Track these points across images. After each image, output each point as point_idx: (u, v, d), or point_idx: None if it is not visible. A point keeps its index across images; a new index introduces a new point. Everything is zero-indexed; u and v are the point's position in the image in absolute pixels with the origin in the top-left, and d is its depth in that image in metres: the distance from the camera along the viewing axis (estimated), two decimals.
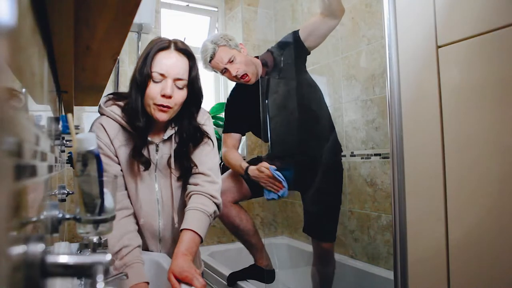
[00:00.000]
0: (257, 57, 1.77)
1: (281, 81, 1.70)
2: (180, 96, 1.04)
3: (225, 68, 1.61)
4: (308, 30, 1.57)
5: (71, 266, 0.32)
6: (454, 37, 0.74)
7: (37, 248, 0.28)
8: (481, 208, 0.70)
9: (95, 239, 0.56)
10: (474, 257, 0.71)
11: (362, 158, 1.90)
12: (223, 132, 1.77)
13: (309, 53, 1.65)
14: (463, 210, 0.73)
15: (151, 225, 1.14)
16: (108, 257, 0.34)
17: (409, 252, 0.83)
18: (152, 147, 1.11)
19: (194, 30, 2.73)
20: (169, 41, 1.06)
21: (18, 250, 0.22)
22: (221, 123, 2.44)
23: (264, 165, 1.52)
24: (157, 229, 1.15)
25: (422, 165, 0.81)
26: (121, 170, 1.09)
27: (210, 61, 1.62)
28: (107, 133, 1.06)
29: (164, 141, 1.12)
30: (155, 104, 1.01)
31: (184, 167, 1.13)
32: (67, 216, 0.50)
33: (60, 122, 0.66)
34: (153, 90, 1.01)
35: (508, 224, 0.65)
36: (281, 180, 1.47)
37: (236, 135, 1.73)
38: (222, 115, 2.54)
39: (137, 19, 1.87)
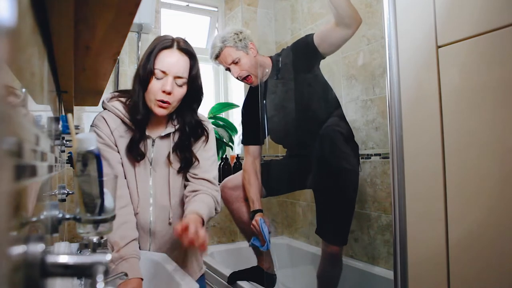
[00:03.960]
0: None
1: (288, 81, 1.68)
2: (179, 93, 1.10)
3: (229, 68, 1.64)
4: (321, 36, 1.54)
5: (71, 266, 0.32)
6: (454, 37, 0.74)
7: (37, 248, 0.28)
8: (481, 208, 0.70)
9: (95, 239, 0.56)
10: (474, 257, 0.71)
11: (362, 158, 1.90)
12: (242, 143, 1.80)
13: (323, 57, 1.62)
14: (463, 210, 0.73)
15: (144, 218, 1.16)
16: (108, 257, 0.34)
17: (409, 252, 0.83)
18: (148, 142, 1.15)
19: (194, 30, 2.73)
20: (172, 40, 1.11)
21: (18, 250, 0.22)
22: (221, 123, 2.44)
23: (256, 219, 1.60)
24: (148, 223, 1.16)
25: (422, 165, 0.81)
26: (121, 159, 1.13)
27: (216, 58, 1.65)
28: (108, 125, 1.11)
29: (162, 137, 1.16)
30: (156, 99, 1.07)
31: (186, 159, 1.17)
32: (67, 216, 0.50)
33: (60, 122, 0.66)
34: (155, 87, 1.07)
35: (508, 224, 0.65)
36: (264, 237, 1.59)
37: (255, 147, 1.75)
38: (222, 115, 2.55)
39: (137, 19, 1.87)
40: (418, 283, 0.81)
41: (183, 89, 1.11)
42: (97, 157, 0.51)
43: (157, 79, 1.07)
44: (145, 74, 1.07)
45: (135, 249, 1.03)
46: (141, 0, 0.48)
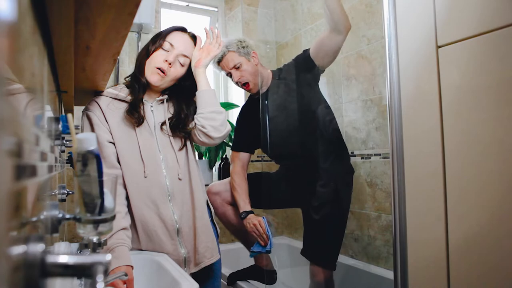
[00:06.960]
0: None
1: (288, 97, 1.66)
2: (177, 71, 1.18)
3: (230, 73, 1.64)
4: (316, 47, 1.54)
5: (71, 266, 0.32)
6: (454, 37, 0.74)
7: (37, 248, 0.28)
8: (481, 208, 0.70)
9: (95, 239, 0.56)
10: (474, 257, 0.71)
11: (362, 158, 1.90)
12: (232, 149, 1.76)
13: (322, 71, 1.61)
14: (463, 210, 0.73)
15: (158, 180, 1.15)
16: (108, 257, 0.34)
17: (409, 252, 0.83)
18: (147, 107, 1.19)
19: (194, 30, 2.73)
20: (185, 28, 1.26)
21: (18, 250, 0.22)
22: None
23: (260, 220, 1.57)
24: (165, 184, 1.16)
25: (422, 165, 0.81)
26: (113, 144, 1.12)
27: (218, 62, 1.66)
28: (98, 105, 1.13)
29: (159, 102, 1.21)
30: (155, 67, 1.13)
31: (184, 131, 1.21)
32: (67, 216, 0.50)
33: (60, 122, 0.66)
34: (159, 56, 1.15)
35: (508, 224, 0.65)
36: (268, 234, 1.54)
37: (245, 155, 1.72)
38: None
39: (137, 19, 1.86)
40: (418, 283, 0.81)
41: (182, 70, 1.18)
42: (97, 157, 0.51)
43: (164, 50, 1.15)
44: (154, 45, 1.15)
45: (122, 237, 1.03)
46: (141, 0, 0.48)
